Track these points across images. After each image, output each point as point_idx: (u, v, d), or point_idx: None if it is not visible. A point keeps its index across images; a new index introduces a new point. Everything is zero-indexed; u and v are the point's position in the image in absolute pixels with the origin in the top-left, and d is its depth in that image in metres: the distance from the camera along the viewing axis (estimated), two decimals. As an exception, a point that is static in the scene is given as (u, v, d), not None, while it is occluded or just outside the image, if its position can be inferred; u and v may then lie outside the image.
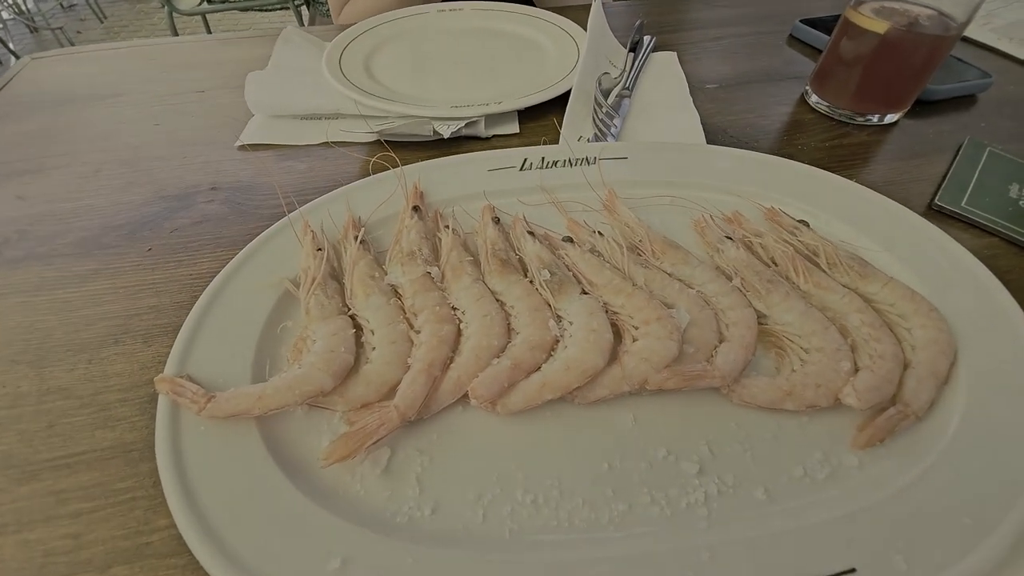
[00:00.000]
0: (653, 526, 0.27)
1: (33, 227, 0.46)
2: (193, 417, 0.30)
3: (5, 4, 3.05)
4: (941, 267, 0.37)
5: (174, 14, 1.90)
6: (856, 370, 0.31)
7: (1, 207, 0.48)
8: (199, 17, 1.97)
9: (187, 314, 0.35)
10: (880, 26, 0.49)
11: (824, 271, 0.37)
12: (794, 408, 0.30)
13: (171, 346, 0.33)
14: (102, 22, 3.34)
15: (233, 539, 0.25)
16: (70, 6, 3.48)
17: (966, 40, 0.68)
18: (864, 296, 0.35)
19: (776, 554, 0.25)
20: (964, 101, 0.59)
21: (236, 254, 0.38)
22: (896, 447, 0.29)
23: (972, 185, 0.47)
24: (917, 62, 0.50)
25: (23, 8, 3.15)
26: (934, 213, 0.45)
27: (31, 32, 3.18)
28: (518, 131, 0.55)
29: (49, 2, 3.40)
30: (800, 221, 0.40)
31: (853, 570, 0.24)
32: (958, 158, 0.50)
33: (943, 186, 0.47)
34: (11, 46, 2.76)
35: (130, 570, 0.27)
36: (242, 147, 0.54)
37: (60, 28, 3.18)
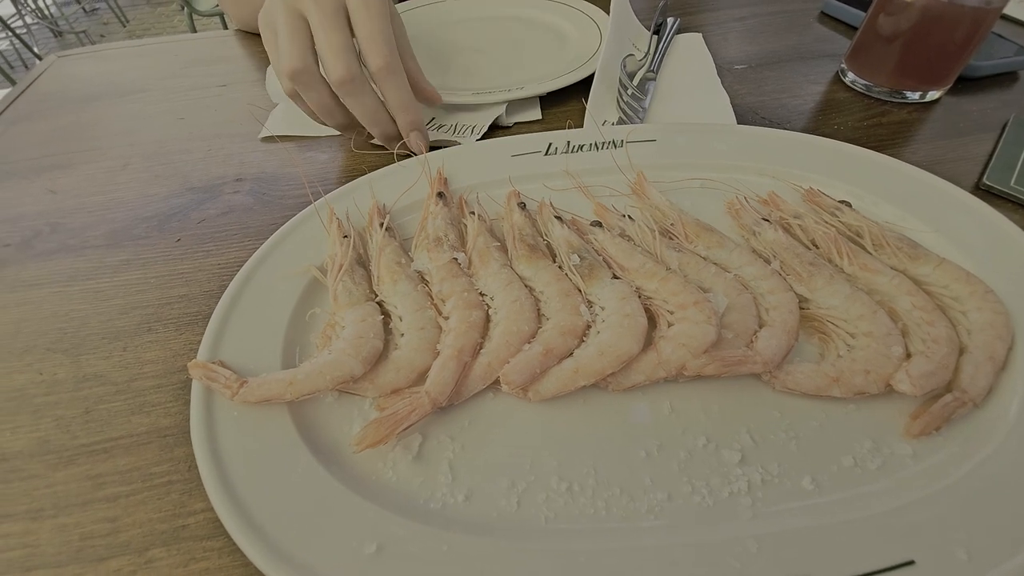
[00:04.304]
0: (695, 516, 0.26)
1: (65, 220, 0.47)
2: (227, 402, 0.30)
3: (28, 8, 3.13)
4: (994, 247, 0.35)
5: (194, 16, 1.93)
6: (908, 355, 0.30)
7: (33, 201, 0.49)
8: (218, 18, 1.99)
9: (217, 302, 0.35)
10: (921, -3, 0.47)
11: (870, 253, 0.35)
12: (841, 395, 0.29)
13: (202, 334, 0.33)
14: (124, 25, 3.41)
15: (269, 523, 0.25)
16: (92, 10, 3.56)
17: (1003, 17, 0.65)
18: (914, 278, 0.33)
19: (829, 545, 0.24)
20: (1005, 78, 0.56)
21: (263, 243, 0.38)
22: (952, 436, 0.28)
23: (1020, 164, 0.45)
24: (961, 35, 0.48)
25: (46, 12, 3.23)
26: (982, 193, 0.43)
27: (55, 36, 3.26)
28: (540, 118, 0.54)
29: (72, 6, 3.48)
30: (842, 202, 0.39)
31: (912, 562, 0.23)
32: (1004, 136, 0.48)
33: (990, 165, 0.45)
34: (35, 50, 2.84)
35: (167, 552, 0.27)
36: (265, 139, 0.54)
37: (84, 32, 3.26)
